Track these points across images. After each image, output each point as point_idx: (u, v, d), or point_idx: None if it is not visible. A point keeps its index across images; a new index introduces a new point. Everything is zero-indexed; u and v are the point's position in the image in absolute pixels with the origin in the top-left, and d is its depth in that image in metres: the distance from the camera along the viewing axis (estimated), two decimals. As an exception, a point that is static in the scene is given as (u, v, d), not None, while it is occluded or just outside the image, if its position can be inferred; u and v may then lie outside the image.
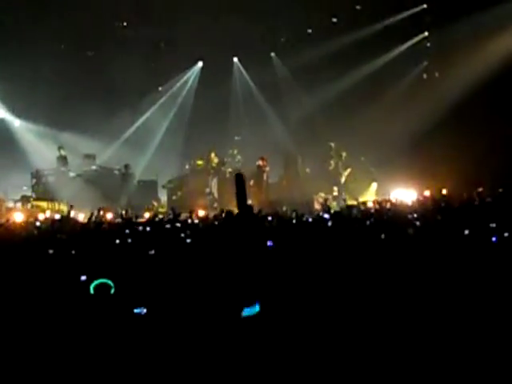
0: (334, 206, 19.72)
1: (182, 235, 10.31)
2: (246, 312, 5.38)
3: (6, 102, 24.20)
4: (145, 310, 5.52)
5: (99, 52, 24.62)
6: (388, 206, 14.44)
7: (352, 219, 11.33)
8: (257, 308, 5.40)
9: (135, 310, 5.51)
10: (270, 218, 12.21)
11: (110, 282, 5.63)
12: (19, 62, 22.17)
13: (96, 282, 5.61)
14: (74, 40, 23.83)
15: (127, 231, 10.83)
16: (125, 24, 24.63)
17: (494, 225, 8.95)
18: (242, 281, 6.03)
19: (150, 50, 24.38)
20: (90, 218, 12.65)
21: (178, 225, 11.91)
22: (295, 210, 14.03)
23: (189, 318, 5.58)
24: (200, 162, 24.01)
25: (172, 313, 5.67)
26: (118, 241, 9.63)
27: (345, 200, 19.71)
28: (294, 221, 12.22)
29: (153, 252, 8.18)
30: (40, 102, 22.46)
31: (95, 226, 11.82)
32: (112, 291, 5.62)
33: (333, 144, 24.03)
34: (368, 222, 10.15)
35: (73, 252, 8.31)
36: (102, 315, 5.56)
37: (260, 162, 23.44)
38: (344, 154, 23.86)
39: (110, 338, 5.30)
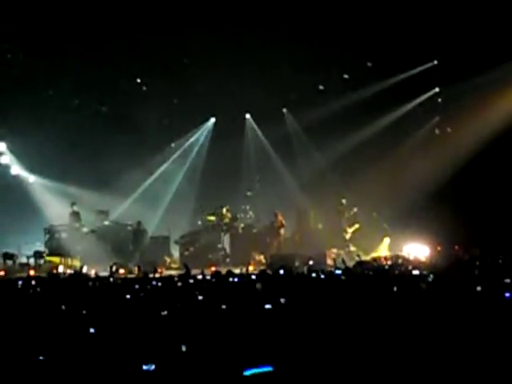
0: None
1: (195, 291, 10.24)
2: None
3: (21, 158, 24.44)
4: (153, 367, 5.45)
5: (113, 108, 24.90)
6: (400, 261, 14.39)
7: (364, 275, 11.26)
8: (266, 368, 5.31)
9: (144, 367, 5.44)
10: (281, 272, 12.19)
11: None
12: (33, 118, 22.46)
13: None
14: (87, 96, 24.15)
15: (137, 287, 10.80)
16: (138, 80, 24.87)
17: (508, 280, 8.83)
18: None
19: (163, 105, 24.54)
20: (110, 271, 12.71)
21: (191, 281, 11.88)
22: (308, 266, 14.00)
23: (197, 375, 5.51)
24: (212, 218, 23.99)
25: (181, 370, 5.60)
26: (128, 296, 9.59)
27: (359, 256, 19.60)
28: (305, 276, 12.17)
29: (165, 311, 8.09)
30: (54, 158, 22.65)
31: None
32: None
33: (344, 200, 24.00)
34: (380, 278, 10.07)
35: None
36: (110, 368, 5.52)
37: (274, 218, 23.48)
38: (355, 210, 23.82)
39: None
